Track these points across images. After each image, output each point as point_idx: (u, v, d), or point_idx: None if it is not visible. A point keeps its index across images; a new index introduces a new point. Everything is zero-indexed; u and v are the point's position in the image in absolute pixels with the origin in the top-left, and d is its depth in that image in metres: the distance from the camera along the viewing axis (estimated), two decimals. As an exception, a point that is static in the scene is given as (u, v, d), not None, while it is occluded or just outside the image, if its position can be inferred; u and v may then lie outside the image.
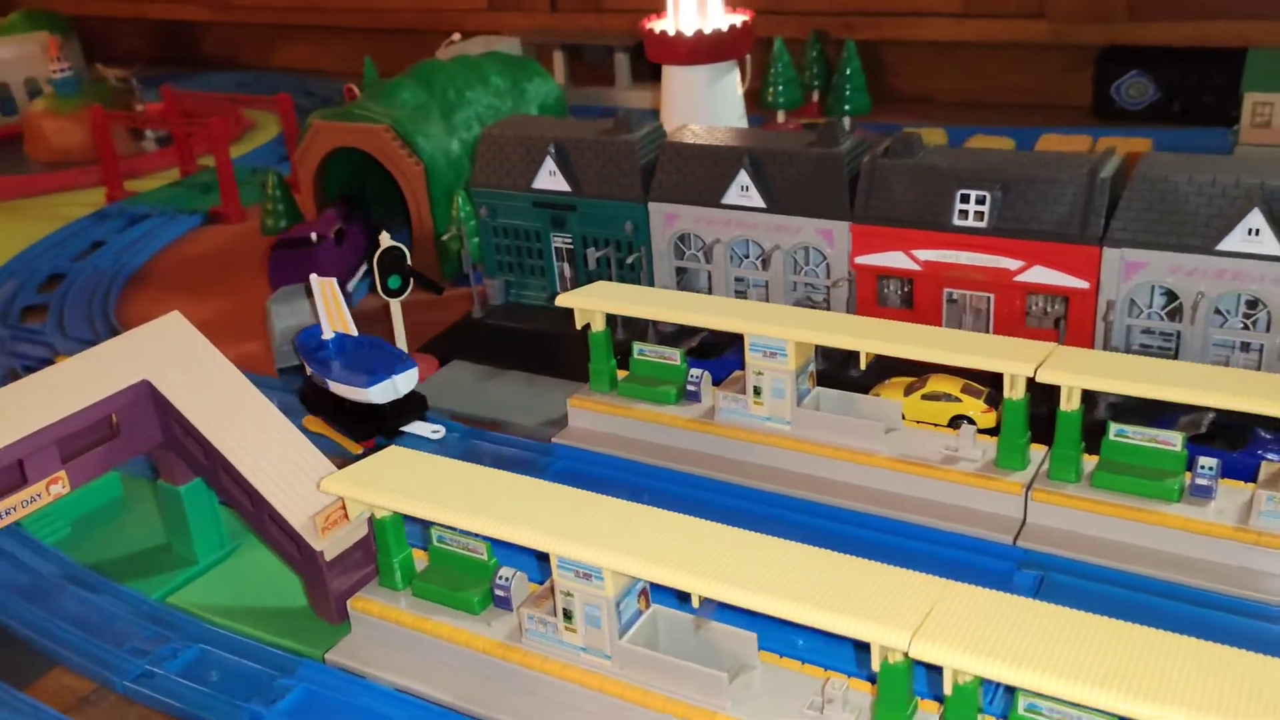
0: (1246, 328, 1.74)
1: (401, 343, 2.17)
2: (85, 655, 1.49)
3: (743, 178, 2.03)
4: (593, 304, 1.83)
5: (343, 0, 4.48)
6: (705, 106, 2.65)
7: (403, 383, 1.88)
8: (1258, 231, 1.65)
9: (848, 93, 2.96)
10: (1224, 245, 1.68)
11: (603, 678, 1.30)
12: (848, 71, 2.95)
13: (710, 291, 2.17)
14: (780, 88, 3.08)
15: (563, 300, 1.85)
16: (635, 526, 1.30)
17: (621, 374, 1.93)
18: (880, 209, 1.93)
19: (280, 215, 2.86)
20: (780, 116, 3.15)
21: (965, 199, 1.86)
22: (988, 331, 1.92)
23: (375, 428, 1.92)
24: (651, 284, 2.20)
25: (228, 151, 3.15)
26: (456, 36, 3.87)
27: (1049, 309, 1.87)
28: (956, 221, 1.87)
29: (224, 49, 5.23)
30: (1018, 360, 1.53)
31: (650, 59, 2.68)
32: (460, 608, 1.42)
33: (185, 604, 1.57)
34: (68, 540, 1.73)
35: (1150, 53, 3.14)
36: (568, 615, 1.32)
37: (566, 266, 2.30)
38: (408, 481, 1.41)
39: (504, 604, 1.41)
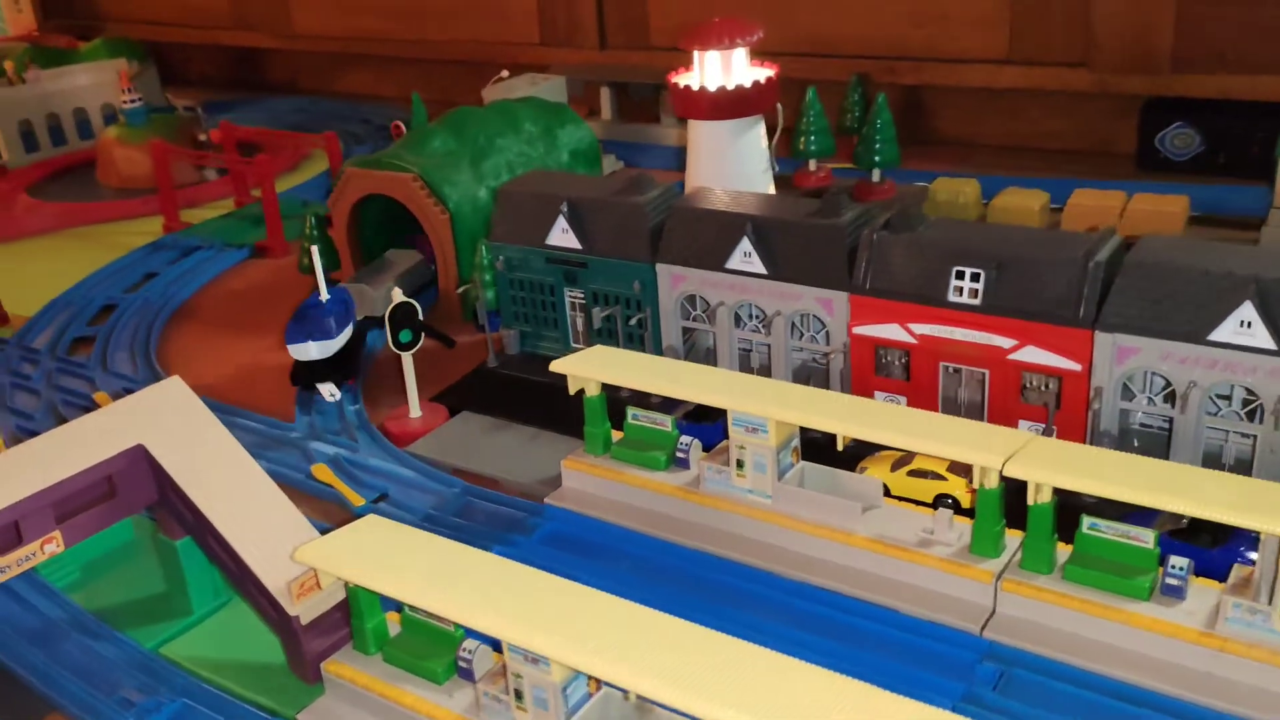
0: (1242, 418, 1.71)
1: (412, 393, 2.24)
2: (78, 703, 1.57)
3: (745, 244, 2.05)
4: (583, 371, 1.87)
5: (399, 32, 4.59)
6: (730, 160, 2.67)
7: (316, 349, 2.24)
8: (1249, 324, 1.63)
9: (878, 144, 2.95)
10: (1215, 336, 1.66)
11: (549, 759, 1.34)
12: (878, 123, 2.94)
13: (715, 352, 2.19)
14: (812, 136, 3.09)
15: (556, 366, 1.90)
16: (588, 615, 1.33)
17: (617, 435, 1.97)
18: (878, 281, 1.94)
19: (322, 254, 2.93)
20: (812, 165, 3.15)
21: (960, 276, 1.86)
22: (984, 406, 1.92)
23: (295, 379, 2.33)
24: (658, 343, 2.24)
25: (273, 187, 3.26)
26: (505, 74, 3.94)
27: (1044, 387, 1.86)
28: (951, 298, 1.87)
29: (288, 75, 5.39)
30: (989, 451, 1.53)
31: (677, 114, 2.72)
32: (425, 677, 1.47)
33: (176, 655, 1.65)
34: (78, 583, 1.82)
35: (1196, 104, 3.09)
36: (518, 695, 1.36)
37: (580, 319, 2.35)
38: (377, 555, 1.46)
39: (467, 675, 1.45)
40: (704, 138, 2.68)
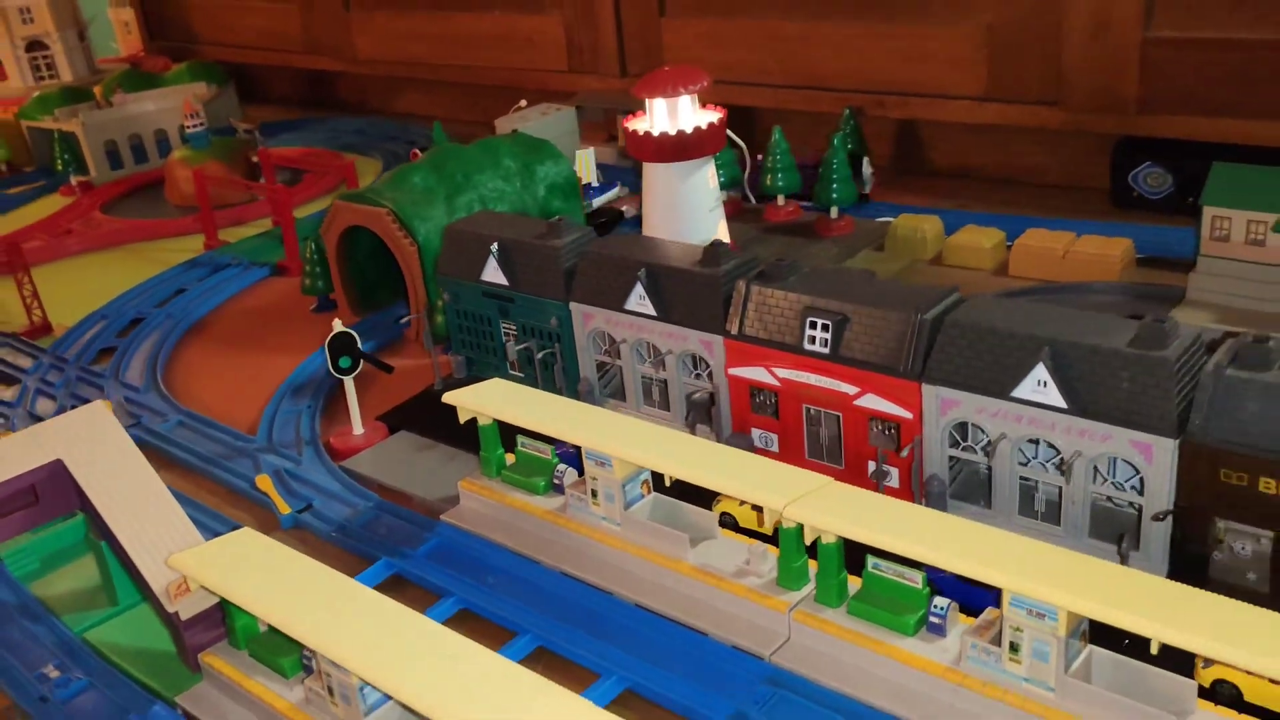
0: (1046, 468, 1.82)
1: (354, 412, 2.49)
2: (6, 676, 1.86)
3: (639, 288, 2.24)
4: (471, 404, 2.09)
5: (445, 58, 4.87)
6: (679, 198, 2.85)
7: None
8: (1045, 383, 1.74)
9: (834, 184, 3.08)
10: (1018, 393, 1.78)
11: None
12: (834, 164, 3.07)
13: (622, 384, 2.38)
14: (779, 174, 3.23)
15: (448, 398, 2.11)
16: (387, 632, 1.53)
17: (512, 459, 2.18)
18: (748, 328, 2.10)
19: (318, 277, 3.22)
20: (780, 200, 3.30)
21: (814, 325, 2.01)
22: (841, 446, 2.06)
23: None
24: (576, 375, 2.44)
25: (291, 210, 3.57)
26: (523, 103, 4.18)
27: (886, 432, 1.99)
28: (806, 345, 2.02)
29: (356, 95, 5.75)
30: (776, 494, 1.69)
31: (631, 155, 2.90)
32: (277, 671, 1.71)
33: (96, 640, 1.92)
34: (34, 573, 2.12)
35: (1166, 145, 3.12)
36: (331, 692, 1.58)
37: (528, 348, 2.56)
38: (240, 568, 1.71)
39: (309, 671, 1.68)
40: (655, 178, 2.86)
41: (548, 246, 2.39)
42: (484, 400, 2.10)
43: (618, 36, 4.28)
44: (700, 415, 2.23)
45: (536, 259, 2.41)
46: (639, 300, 2.25)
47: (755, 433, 2.18)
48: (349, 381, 2.45)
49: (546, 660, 1.81)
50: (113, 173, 4.94)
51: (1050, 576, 1.46)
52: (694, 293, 2.17)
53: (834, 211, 3.14)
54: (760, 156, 3.40)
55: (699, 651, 1.75)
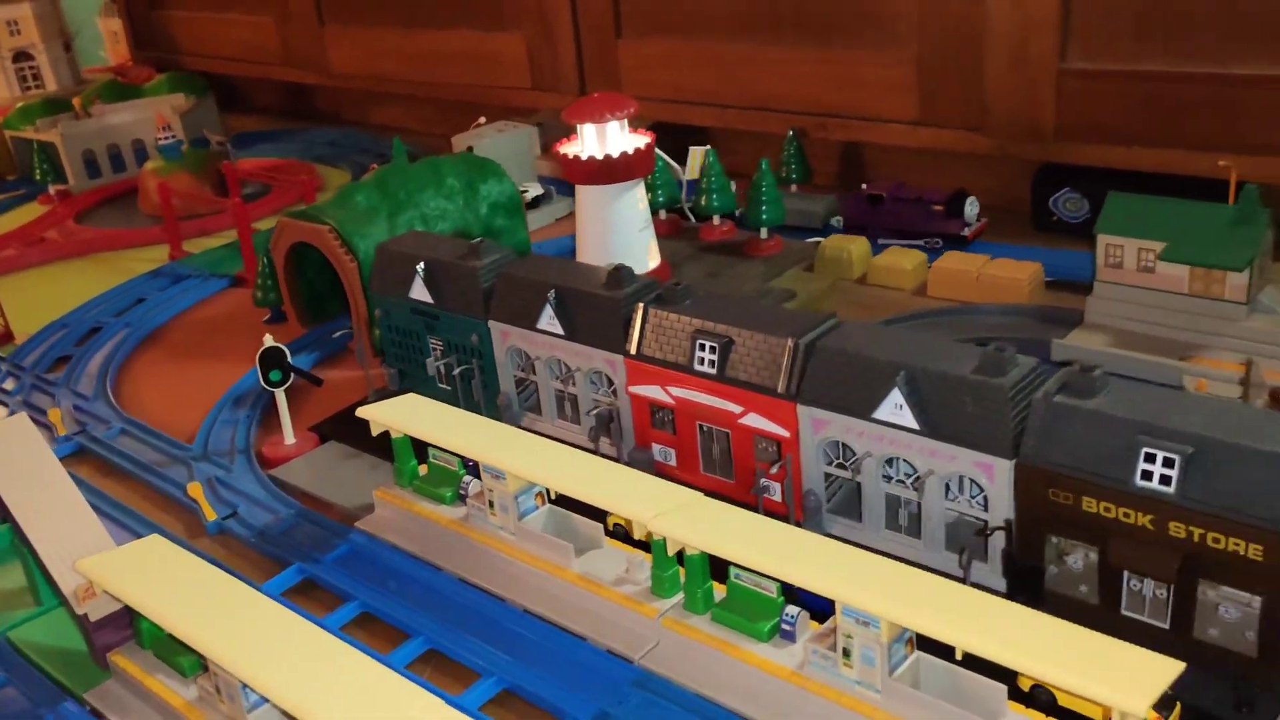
0: (907, 485, 1.94)
1: (285, 423, 2.61)
2: (-66, 673, 1.99)
3: (549, 309, 2.35)
4: (381, 419, 2.21)
5: (415, 74, 4.99)
6: (609, 220, 2.97)
7: None
8: (901, 406, 1.86)
9: (764, 206, 3.20)
10: (878, 414, 1.89)
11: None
12: (762, 187, 3.19)
13: (539, 399, 2.50)
14: (714, 195, 3.35)
15: (362, 412, 2.24)
16: (272, 637, 1.64)
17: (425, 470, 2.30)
18: (644, 348, 2.22)
19: (269, 290, 3.34)
20: (715, 220, 3.41)
21: (703, 347, 2.12)
22: (730, 462, 2.18)
23: None
24: (497, 389, 2.55)
25: (248, 224, 3.69)
26: (482, 120, 4.31)
27: (769, 448, 2.11)
28: (696, 366, 2.14)
29: (332, 107, 5.89)
30: (642, 506, 1.81)
31: (566, 179, 3.02)
32: (177, 670, 1.83)
33: (18, 638, 2.05)
34: (-29, 575, 2.25)
35: (1083, 171, 3.23)
36: (219, 690, 1.70)
37: (448, 364, 2.68)
38: (143, 574, 1.83)
39: (204, 670, 1.80)
40: (586, 200, 2.98)
41: (468, 267, 2.50)
42: (393, 415, 2.22)
43: (577, 57, 4.40)
44: (604, 430, 2.35)
45: (458, 278, 2.53)
46: (549, 320, 2.37)
47: (655, 447, 2.29)
48: (280, 394, 2.57)
49: (436, 661, 1.93)
50: (91, 182, 5.08)
51: (876, 589, 1.57)
52: (597, 314, 2.29)
53: (764, 232, 3.26)
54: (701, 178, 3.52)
55: (576, 654, 1.87)
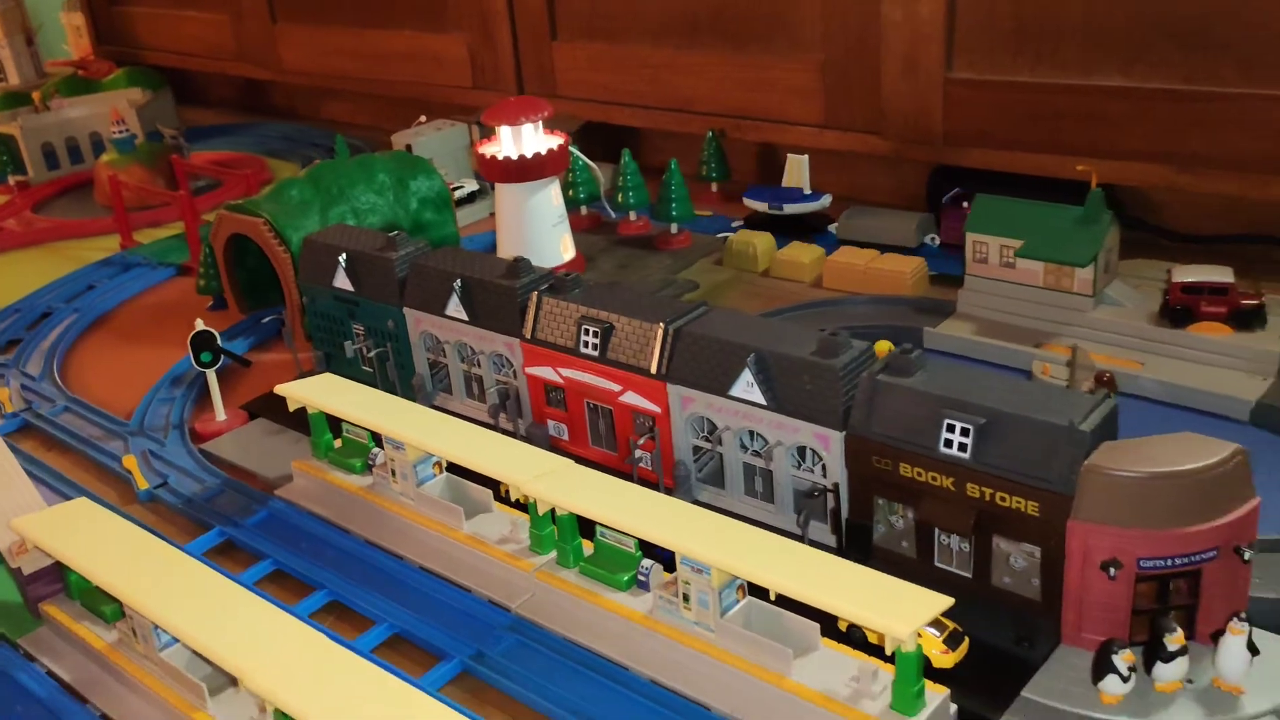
0: (760, 455, 2.17)
1: (216, 401, 2.82)
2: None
3: (455, 298, 2.57)
4: (296, 395, 2.42)
5: (363, 72, 5.19)
6: (525, 215, 3.19)
7: None
8: (752, 384, 2.09)
9: (673, 202, 3.43)
10: (733, 392, 2.12)
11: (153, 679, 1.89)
12: (672, 185, 3.42)
13: (450, 380, 2.72)
14: (630, 192, 3.58)
15: (280, 389, 2.45)
16: (198, 593, 1.84)
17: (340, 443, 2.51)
18: (538, 333, 2.44)
19: (212, 278, 3.54)
20: (633, 215, 3.64)
21: (587, 331, 2.35)
22: (613, 436, 2.40)
23: None
24: (412, 370, 2.77)
25: (195, 215, 3.88)
26: (423, 119, 4.52)
27: (645, 423, 2.33)
28: (582, 349, 2.36)
29: (286, 102, 6.07)
30: (517, 471, 2.03)
31: (484, 178, 3.23)
32: (101, 618, 2.04)
33: (-36, 590, 2.25)
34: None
35: (971, 173, 3.46)
36: (135, 633, 1.92)
37: (364, 347, 2.89)
38: (71, 532, 2.03)
39: (125, 618, 2.01)
40: (503, 197, 3.20)
41: (384, 258, 2.72)
42: (308, 392, 2.43)
43: (515, 58, 4.61)
44: (505, 407, 2.57)
45: (376, 268, 2.74)
46: (456, 307, 2.59)
47: (550, 423, 2.52)
48: (211, 374, 2.78)
49: (338, 612, 2.15)
50: (49, 173, 5.24)
51: (709, 542, 1.80)
52: (497, 301, 2.51)
53: (674, 227, 3.49)
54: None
55: (461, 604, 2.10)
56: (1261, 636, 1.71)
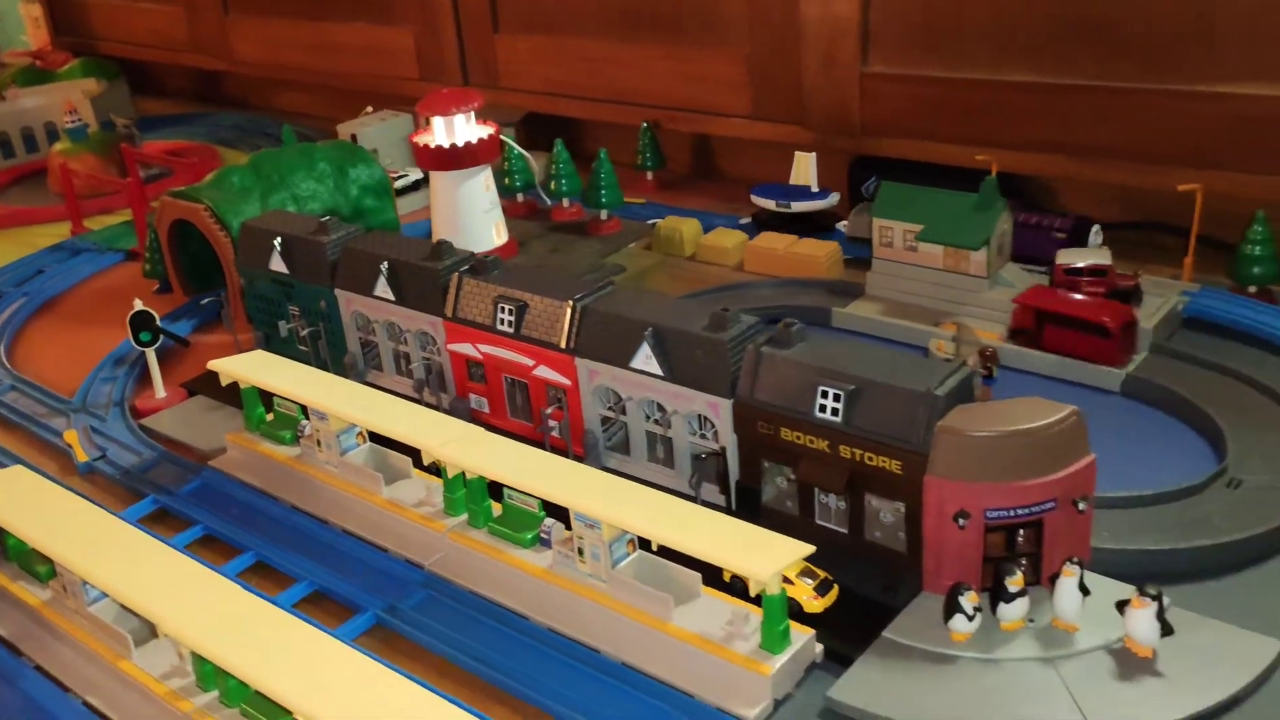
0: (659, 423, 2.32)
1: (156, 378, 2.94)
2: None
3: (382, 279, 2.71)
4: (229, 370, 2.55)
5: (314, 64, 5.30)
6: (457, 201, 3.33)
7: None
8: (650, 357, 2.24)
9: (602, 190, 3.58)
10: (634, 364, 2.27)
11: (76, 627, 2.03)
12: (601, 173, 3.57)
13: (380, 358, 2.85)
14: (563, 180, 3.72)
15: (212, 365, 2.58)
16: (125, 553, 1.97)
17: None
18: (460, 312, 2.58)
19: (157, 262, 3.66)
20: (565, 202, 3.78)
21: (503, 310, 2.49)
22: (529, 407, 2.55)
23: None
24: (344, 349, 2.90)
25: (144, 203, 3.99)
26: (369, 109, 4.64)
27: (557, 395, 2.48)
28: (499, 327, 2.51)
29: (240, 93, 6.17)
30: (428, 438, 2.18)
31: (419, 166, 3.37)
32: (35, 577, 2.16)
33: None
34: None
35: (888, 162, 3.62)
36: (65, 589, 2.05)
37: (298, 326, 3.02)
38: (7, 498, 2.15)
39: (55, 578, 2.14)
40: (437, 185, 3.34)
41: (316, 242, 2.85)
42: (240, 368, 2.56)
43: (459, 50, 4.74)
44: (429, 382, 2.71)
45: (309, 252, 2.87)
46: (383, 288, 2.72)
47: (472, 397, 2.66)
48: (150, 352, 2.91)
49: (263, 572, 2.28)
50: (5, 162, 5.33)
51: (599, 500, 1.95)
52: (421, 282, 2.65)
53: (604, 214, 3.63)
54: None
55: (378, 563, 2.24)
56: (1100, 581, 1.88)
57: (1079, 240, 3.00)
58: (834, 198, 3.57)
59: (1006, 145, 3.25)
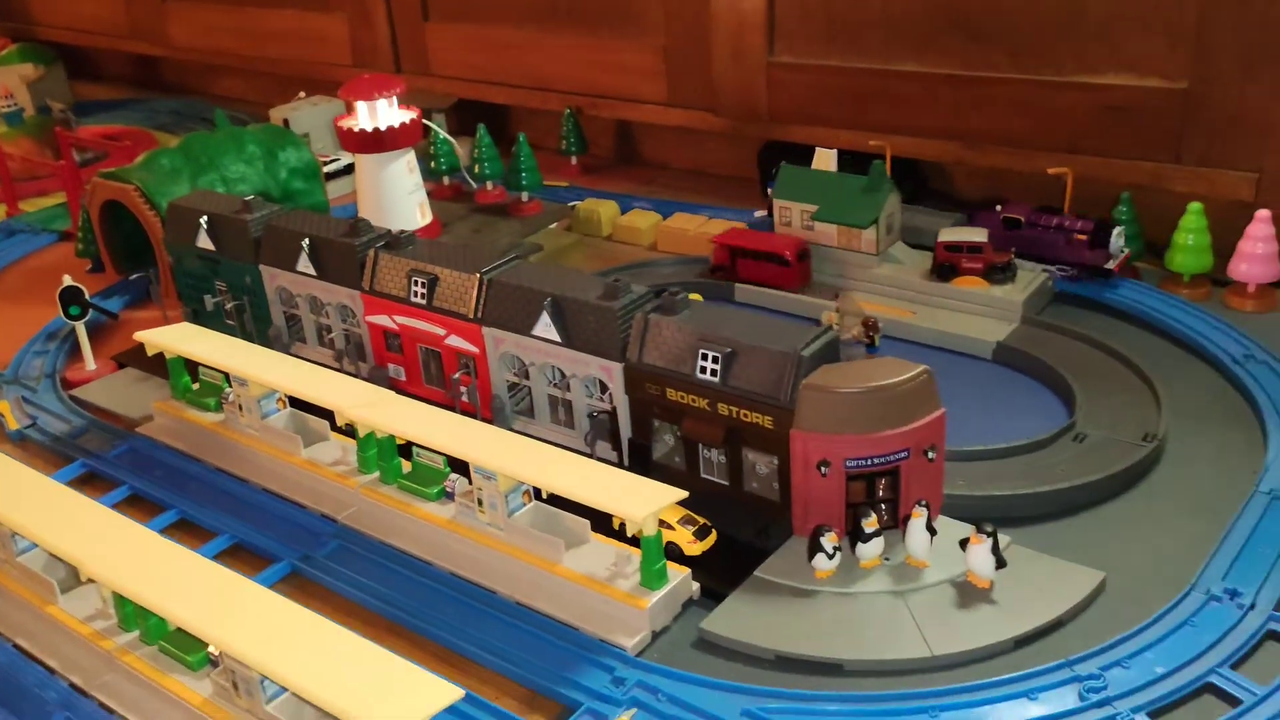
0: (557, 385, 2.49)
1: (86, 351, 3.06)
2: None
3: (304, 255, 2.85)
4: (154, 341, 2.69)
5: (249, 50, 5.40)
6: (381, 184, 3.47)
7: None
8: (549, 325, 2.41)
9: (523, 173, 3.74)
10: (535, 332, 2.44)
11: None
12: (521, 156, 3.73)
13: (303, 330, 2.99)
14: (485, 164, 3.88)
15: (139, 336, 2.71)
16: (64, 511, 2.10)
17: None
18: (376, 285, 2.73)
19: (90, 242, 3.76)
20: (489, 185, 3.94)
21: (416, 282, 2.65)
22: (442, 375, 2.71)
23: None
24: (269, 322, 3.04)
25: (78, 185, 4.09)
26: (303, 94, 4.76)
27: (468, 363, 2.64)
28: (413, 299, 2.66)
29: (178, 78, 6.24)
30: (342, 401, 2.33)
31: (343, 149, 3.51)
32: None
33: None
34: None
35: (794, 148, 3.79)
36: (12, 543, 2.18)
37: (224, 300, 3.15)
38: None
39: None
40: (362, 167, 3.48)
41: (241, 219, 2.98)
42: (166, 338, 2.70)
43: (391, 37, 4.87)
44: (349, 352, 2.85)
45: (234, 229, 3.01)
46: (305, 263, 2.86)
47: (390, 367, 2.81)
48: (80, 326, 3.03)
49: (186, 528, 2.42)
50: (-61, 148, 5.38)
51: (494, 453, 2.12)
52: (340, 258, 2.79)
53: (525, 196, 3.80)
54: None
55: (295, 518, 2.39)
56: (948, 523, 2.09)
57: (1101, 241, 2.94)
58: None
59: (899, 131, 3.45)
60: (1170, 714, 1.74)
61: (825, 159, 3.32)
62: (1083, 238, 2.97)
